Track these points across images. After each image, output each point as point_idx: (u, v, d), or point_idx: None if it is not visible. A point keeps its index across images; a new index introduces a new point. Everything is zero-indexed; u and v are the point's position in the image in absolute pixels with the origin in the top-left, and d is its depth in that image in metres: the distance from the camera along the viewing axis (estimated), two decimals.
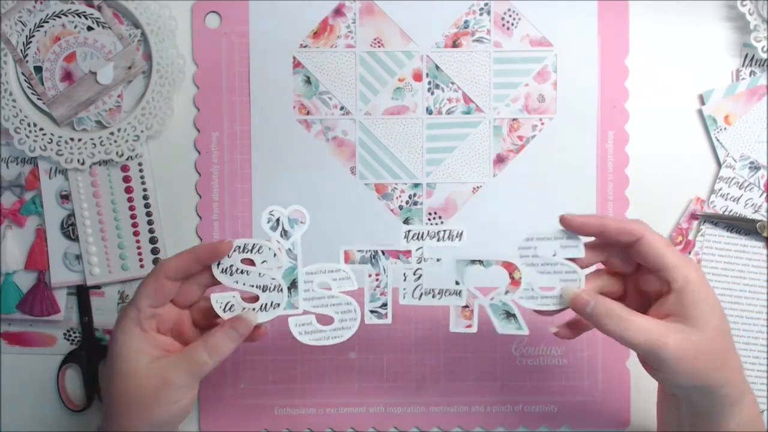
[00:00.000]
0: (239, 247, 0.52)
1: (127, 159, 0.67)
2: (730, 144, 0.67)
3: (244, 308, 0.53)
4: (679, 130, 0.68)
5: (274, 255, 0.53)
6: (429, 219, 0.68)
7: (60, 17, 0.66)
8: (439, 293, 0.54)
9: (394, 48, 0.67)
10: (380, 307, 0.54)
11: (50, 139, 0.66)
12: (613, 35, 0.67)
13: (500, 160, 0.68)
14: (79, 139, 0.66)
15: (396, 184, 0.68)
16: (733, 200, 0.67)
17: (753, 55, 0.67)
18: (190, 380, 0.51)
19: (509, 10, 0.67)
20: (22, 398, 0.69)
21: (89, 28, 0.66)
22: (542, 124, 0.67)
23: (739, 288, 0.68)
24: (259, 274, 0.53)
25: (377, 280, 0.54)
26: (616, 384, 0.68)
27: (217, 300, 0.53)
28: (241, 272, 0.53)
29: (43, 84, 0.66)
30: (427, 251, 0.54)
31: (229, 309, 0.53)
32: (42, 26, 0.66)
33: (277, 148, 0.67)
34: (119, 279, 0.68)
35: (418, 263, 0.53)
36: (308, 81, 0.67)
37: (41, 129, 0.66)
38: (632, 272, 0.53)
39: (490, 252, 0.54)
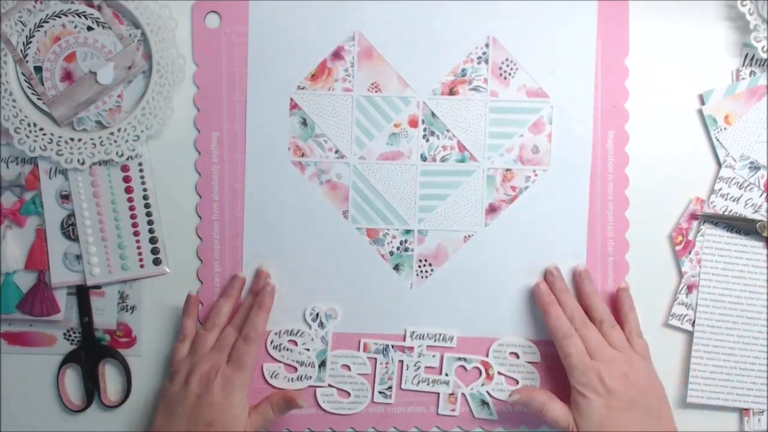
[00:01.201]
0: (288, 331, 0.67)
1: (127, 159, 0.67)
2: (730, 144, 0.67)
3: (279, 335, 0.68)
4: (679, 130, 0.68)
5: (312, 339, 0.67)
6: (419, 266, 0.68)
7: (60, 17, 0.66)
8: (432, 382, 0.68)
9: (391, 93, 0.67)
10: (386, 389, 0.68)
11: (50, 139, 0.66)
12: (613, 35, 0.67)
13: (492, 209, 0.68)
14: (79, 139, 0.66)
15: (388, 229, 0.68)
16: (733, 200, 0.67)
17: (753, 55, 0.67)
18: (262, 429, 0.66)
19: (507, 59, 0.67)
20: (22, 398, 0.69)
21: (89, 28, 0.66)
22: (536, 175, 0.68)
23: (739, 288, 0.67)
24: (299, 352, 0.67)
25: (386, 367, 0.67)
26: None
27: (267, 368, 0.68)
28: (287, 349, 0.68)
29: (43, 84, 0.66)
30: (426, 348, 0.67)
31: (274, 376, 0.68)
32: (42, 26, 0.66)
33: (271, 188, 0.68)
34: (119, 279, 0.68)
35: (419, 357, 0.67)
36: (304, 123, 0.67)
37: (41, 129, 0.66)
38: None
39: (471, 355, 0.68)
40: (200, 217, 0.68)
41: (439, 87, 0.67)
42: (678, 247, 0.68)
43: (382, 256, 0.68)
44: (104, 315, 0.68)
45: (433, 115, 0.67)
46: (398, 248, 0.68)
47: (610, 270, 0.68)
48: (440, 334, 0.67)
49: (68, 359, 0.68)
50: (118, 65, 0.66)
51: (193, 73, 0.68)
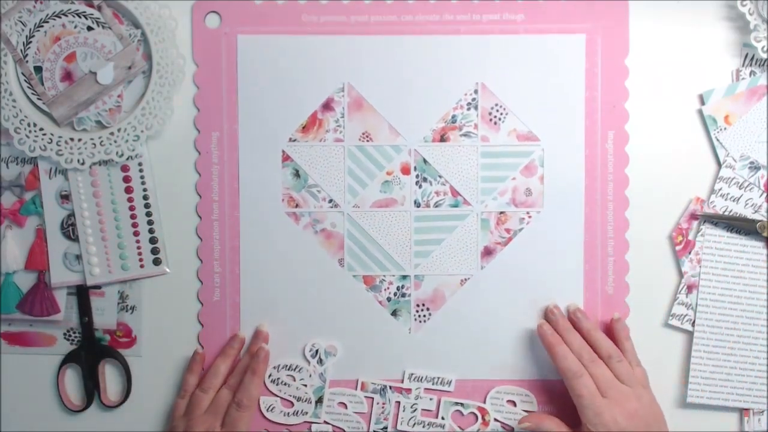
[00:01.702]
0: (286, 366, 0.68)
1: (127, 159, 0.67)
2: (730, 144, 0.67)
3: (278, 369, 0.68)
4: (679, 130, 0.68)
5: (310, 375, 0.68)
6: (417, 310, 0.68)
7: (60, 17, 0.66)
8: (428, 425, 0.68)
9: (383, 142, 0.68)
10: (382, 429, 0.68)
11: (50, 139, 0.66)
12: (613, 35, 0.67)
13: (488, 252, 0.68)
14: (79, 139, 0.66)
15: (384, 275, 0.68)
16: (733, 200, 0.67)
17: (753, 55, 0.67)
18: None
19: (496, 105, 0.68)
20: (22, 398, 0.69)
21: (89, 28, 0.66)
22: (529, 217, 0.68)
23: (739, 288, 0.67)
24: (297, 387, 0.68)
25: (383, 407, 0.68)
26: None
27: (264, 401, 0.68)
28: (285, 384, 0.68)
29: (43, 84, 0.66)
30: (423, 391, 0.68)
31: (271, 410, 0.68)
32: (42, 26, 0.66)
33: (266, 239, 0.68)
34: (119, 279, 0.68)
35: (416, 399, 0.68)
36: (297, 174, 0.68)
37: (41, 129, 0.66)
38: None
39: (468, 401, 0.68)
40: (200, 217, 0.68)
41: (430, 134, 0.68)
42: (678, 247, 0.68)
43: (380, 302, 0.68)
44: (104, 315, 0.68)
45: (425, 161, 0.68)
46: (395, 294, 0.68)
47: (610, 270, 0.68)
48: (438, 378, 0.68)
49: (68, 359, 0.68)
50: (118, 65, 0.66)
51: (193, 73, 0.68)
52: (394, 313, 0.68)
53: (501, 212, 0.68)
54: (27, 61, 0.66)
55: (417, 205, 0.68)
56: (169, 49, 0.66)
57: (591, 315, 0.67)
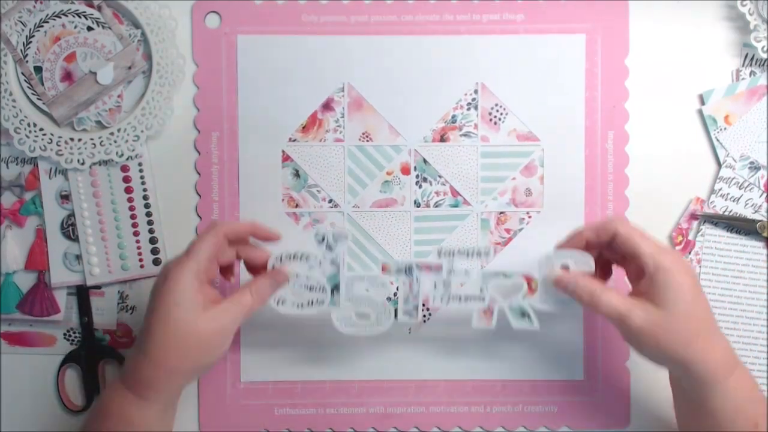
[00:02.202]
0: (290, 255, 0.61)
1: (127, 159, 0.67)
2: (730, 144, 0.67)
3: (280, 259, 0.61)
4: (679, 130, 0.68)
5: (320, 263, 0.61)
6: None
7: (60, 17, 0.66)
8: (465, 299, 0.62)
9: (383, 142, 0.68)
10: (412, 309, 0.62)
11: (50, 139, 0.66)
12: (613, 35, 0.68)
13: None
14: (79, 139, 0.66)
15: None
16: (733, 200, 0.67)
17: (753, 55, 0.67)
18: (238, 323, 0.58)
19: (496, 105, 0.68)
20: (22, 398, 0.69)
21: (89, 28, 0.66)
22: (529, 217, 0.68)
23: (739, 288, 0.68)
24: (307, 277, 0.61)
25: (410, 287, 0.61)
26: (616, 384, 0.68)
27: (273, 295, 0.61)
28: (292, 275, 0.61)
29: (43, 84, 0.66)
30: (456, 265, 0.61)
31: (282, 303, 0.61)
32: (42, 26, 0.66)
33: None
34: (119, 279, 0.68)
35: (448, 275, 0.61)
36: (297, 174, 0.68)
37: (41, 129, 0.66)
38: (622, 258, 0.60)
39: (513, 268, 0.62)
40: (200, 217, 0.68)
41: (430, 134, 0.68)
42: (678, 247, 0.68)
43: None
44: (104, 315, 0.68)
45: (425, 161, 0.68)
46: (395, 294, 0.68)
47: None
48: (473, 248, 0.61)
49: (68, 359, 0.68)
50: (118, 65, 0.66)
51: (193, 73, 0.68)
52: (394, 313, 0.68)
53: (501, 212, 0.68)
54: (27, 61, 0.66)
55: (417, 205, 0.68)
56: (169, 49, 0.66)
57: (591, 317, 0.67)
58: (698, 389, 0.55)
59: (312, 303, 0.61)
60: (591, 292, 0.56)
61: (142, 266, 0.68)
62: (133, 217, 0.68)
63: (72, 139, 0.66)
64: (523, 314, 0.61)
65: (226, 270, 0.63)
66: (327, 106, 0.68)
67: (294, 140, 0.68)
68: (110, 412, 0.57)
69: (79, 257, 0.67)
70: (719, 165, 0.68)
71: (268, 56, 0.68)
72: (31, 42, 0.66)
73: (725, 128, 0.67)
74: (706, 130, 0.68)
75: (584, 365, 0.68)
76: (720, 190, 0.67)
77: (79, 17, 0.66)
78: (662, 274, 0.54)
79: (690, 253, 0.68)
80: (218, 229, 0.58)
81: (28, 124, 0.66)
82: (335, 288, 0.61)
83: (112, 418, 0.57)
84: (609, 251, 0.60)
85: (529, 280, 0.61)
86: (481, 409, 0.68)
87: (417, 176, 0.68)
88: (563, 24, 0.68)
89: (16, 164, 0.67)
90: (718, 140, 0.67)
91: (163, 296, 0.56)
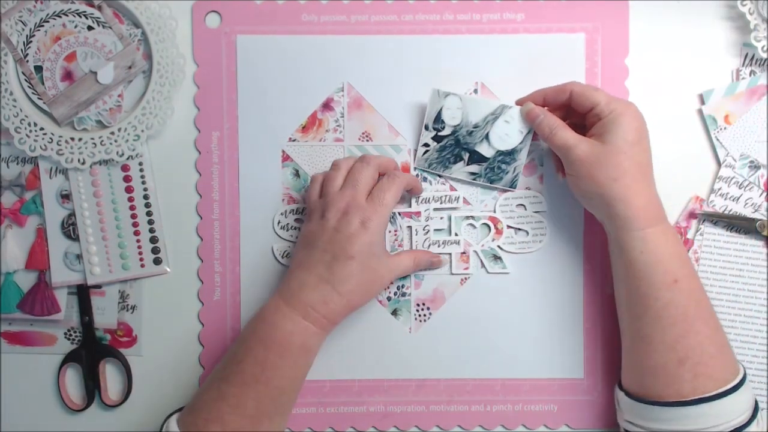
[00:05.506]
0: (293, 210, 0.67)
1: (128, 159, 0.67)
2: (730, 143, 0.67)
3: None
4: (679, 130, 0.68)
5: None
6: (417, 310, 0.68)
7: (60, 17, 0.66)
8: (443, 243, 0.68)
9: (382, 142, 0.68)
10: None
11: (50, 138, 0.66)
12: (613, 35, 0.68)
13: None
14: (80, 139, 0.66)
15: None
16: (733, 200, 0.67)
17: (753, 55, 0.67)
18: (400, 276, 0.66)
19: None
20: (22, 398, 0.69)
21: (89, 28, 0.66)
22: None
23: (738, 287, 0.68)
24: None
25: (395, 234, 0.68)
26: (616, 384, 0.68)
27: (278, 249, 0.67)
28: (295, 228, 0.67)
29: (43, 84, 0.66)
30: (433, 211, 0.67)
31: (286, 256, 0.67)
32: (42, 26, 0.66)
33: (266, 240, 0.68)
34: (120, 278, 0.68)
35: (426, 221, 0.67)
36: (297, 174, 0.68)
37: (41, 129, 0.66)
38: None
39: (479, 213, 0.68)
40: (201, 217, 0.68)
41: None
42: None
43: (380, 301, 0.68)
44: (105, 314, 0.68)
45: None
46: (395, 293, 0.68)
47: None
48: (447, 196, 0.67)
49: (69, 359, 0.68)
50: (118, 65, 0.66)
51: (193, 73, 0.68)
52: (394, 313, 0.68)
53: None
54: (27, 61, 0.66)
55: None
56: (169, 48, 0.66)
57: (591, 316, 0.68)
58: (620, 236, 0.59)
59: None
60: (551, 127, 0.62)
61: (142, 265, 0.68)
62: (133, 216, 0.68)
63: (72, 139, 0.66)
64: (496, 257, 0.67)
65: None
66: (327, 105, 0.68)
67: (294, 140, 0.68)
68: (292, 344, 0.59)
69: (79, 257, 0.67)
70: (719, 164, 0.68)
71: (268, 56, 0.68)
72: (31, 41, 0.66)
73: (725, 128, 0.67)
74: (706, 130, 0.68)
75: (584, 365, 0.68)
76: (720, 189, 0.67)
77: (80, 17, 0.66)
78: (613, 115, 0.59)
79: (689, 252, 0.68)
80: (400, 182, 0.62)
81: (29, 124, 0.66)
82: None
83: (293, 348, 0.59)
84: (575, 117, 0.64)
85: (496, 222, 0.67)
86: (481, 408, 0.69)
87: (417, 176, 0.68)
88: (563, 24, 0.68)
89: (17, 164, 0.67)
90: (718, 140, 0.67)
91: (366, 246, 0.59)
